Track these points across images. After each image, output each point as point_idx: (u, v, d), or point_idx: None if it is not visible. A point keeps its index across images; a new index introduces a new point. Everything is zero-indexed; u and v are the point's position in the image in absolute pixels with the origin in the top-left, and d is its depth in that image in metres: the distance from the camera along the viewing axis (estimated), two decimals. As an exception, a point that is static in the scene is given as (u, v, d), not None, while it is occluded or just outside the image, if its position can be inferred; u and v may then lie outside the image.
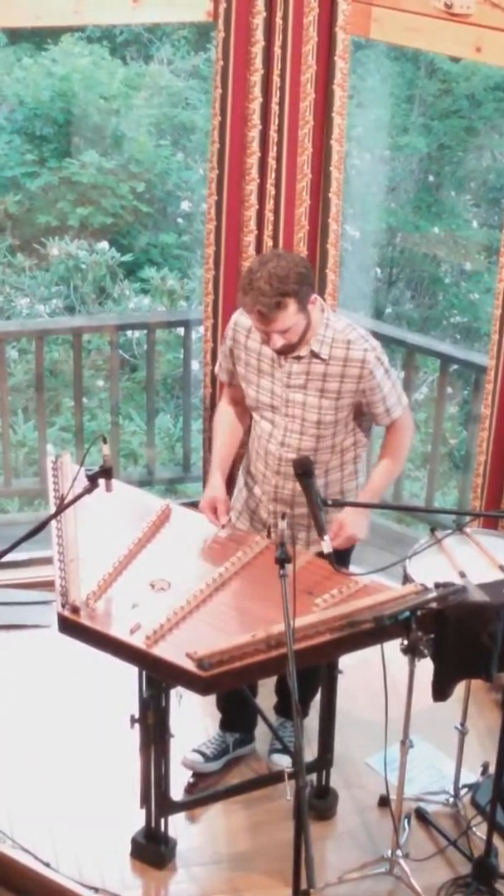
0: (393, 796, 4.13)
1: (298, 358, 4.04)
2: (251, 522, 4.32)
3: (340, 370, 4.04)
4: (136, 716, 4.05)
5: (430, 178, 10.71)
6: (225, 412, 4.38)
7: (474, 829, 4.30)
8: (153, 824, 4.18)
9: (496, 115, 10.29)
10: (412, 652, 3.78)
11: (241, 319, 4.15)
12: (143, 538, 4.14)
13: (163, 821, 4.17)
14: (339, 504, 4.10)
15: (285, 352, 4.01)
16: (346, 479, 4.25)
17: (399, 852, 4.15)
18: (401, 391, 4.20)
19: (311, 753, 4.39)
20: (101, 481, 3.90)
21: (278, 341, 3.95)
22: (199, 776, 4.50)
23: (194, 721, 4.64)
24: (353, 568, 4.22)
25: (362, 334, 4.08)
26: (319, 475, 4.12)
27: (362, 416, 4.17)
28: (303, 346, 4.02)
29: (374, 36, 4.85)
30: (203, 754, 4.52)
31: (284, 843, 3.72)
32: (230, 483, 4.36)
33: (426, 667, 3.88)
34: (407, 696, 3.96)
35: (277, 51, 4.72)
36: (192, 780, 4.48)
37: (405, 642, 3.77)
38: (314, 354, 4.03)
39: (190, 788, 4.45)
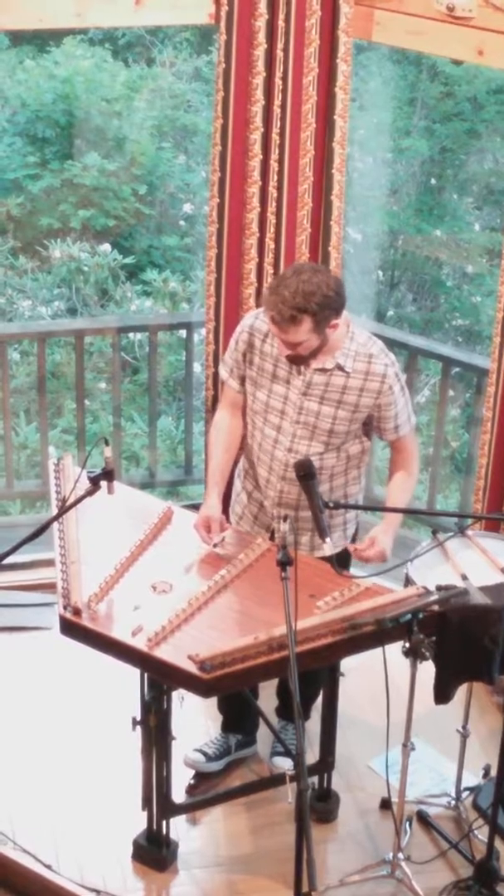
0: (394, 799, 4.14)
1: (323, 370, 4.03)
2: (253, 526, 4.32)
3: (361, 383, 4.04)
4: (138, 718, 4.05)
5: (432, 180, 10.71)
6: (221, 426, 4.31)
7: (476, 831, 4.29)
8: (154, 827, 4.18)
9: (498, 118, 10.29)
10: (414, 654, 3.78)
11: (258, 323, 4.13)
12: (144, 540, 4.14)
13: (164, 823, 4.17)
14: (341, 507, 4.10)
15: (294, 361, 4.00)
16: (350, 483, 4.25)
17: (400, 855, 4.15)
18: (411, 410, 4.20)
19: (312, 756, 4.39)
20: (103, 483, 3.90)
21: (286, 350, 3.94)
22: (199, 777, 4.50)
23: (196, 723, 4.64)
24: (354, 570, 4.22)
25: (382, 348, 4.09)
26: (324, 480, 4.13)
27: (369, 425, 4.16)
28: (328, 359, 4.01)
29: (377, 39, 4.86)
30: (205, 754, 4.52)
31: (286, 846, 3.72)
32: (226, 497, 4.34)
33: (428, 669, 3.88)
34: (408, 698, 3.96)
35: (279, 53, 4.73)
36: (192, 781, 4.48)
37: (407, 645, 3.77)
38: (339, 367, 4.02)
39: (191, 790, 4.46)
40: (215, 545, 4.14)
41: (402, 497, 4.19)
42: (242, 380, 4.23)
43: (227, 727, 4.59)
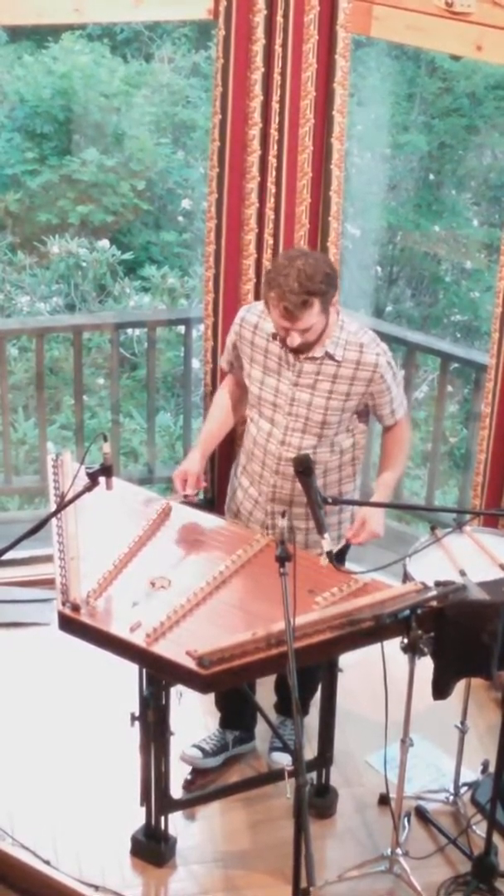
0: (393, 794, 4.14)
1: (313, 358, 4.04)
2: (249, 524, 4.32)
3: (352, 373, 4.05)
4: (137, 714, 4.05)
5: (431, 176, 10.70)
6: (224, 393, 4.42)
7: (474, 827, 4.30)
8: (153, 822, 4.18)
9: (497, 113, 10.28)
10: (412, 650, 3.78)
11: (248, 316, 4.16)
12: (143, 536, 4.14)
13: (163, 819, 4.18)
14: (339, 502, 4.10)
15: (301, 350, 4.01)
16: (345, 480, 4.26)
17: (399, 850, 4.15)
18: (403, 394, 4.25)
19: (311, 752, 4.39)
20: (102, 479, 3.90)
21: (297, 339, 3.95)
22: (196, 773, 4.50)
23: (194, 719, 4.64)
24: (353, 566, 4.22)
25: (373, 337, 4.12)
26: (318, 476, 4.13)
27: (362, 417, 4.18)
28: (318, 347, 4.03)
29: (375, 34, 4.85)
30: (202, 750, 4.52)
31: (284, 842, 3.72)
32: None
33: (426, 665, 3.88)
34: (407, 694, 3.96)
35: (278, 49, 4.72)
36: (189, 776, 4.48)
37: (405, 641, 3.78)
38: (328, 356, 4.04)
39: (187, 785, 4.46)
40: (185, 496, 4.22)
41: (391, 475, 4.26)
42: (231, 363, 4.32)
43: (224, 724, 4.59)
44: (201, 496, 4.27)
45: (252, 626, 3.70)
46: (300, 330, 3.93)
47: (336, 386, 4.06)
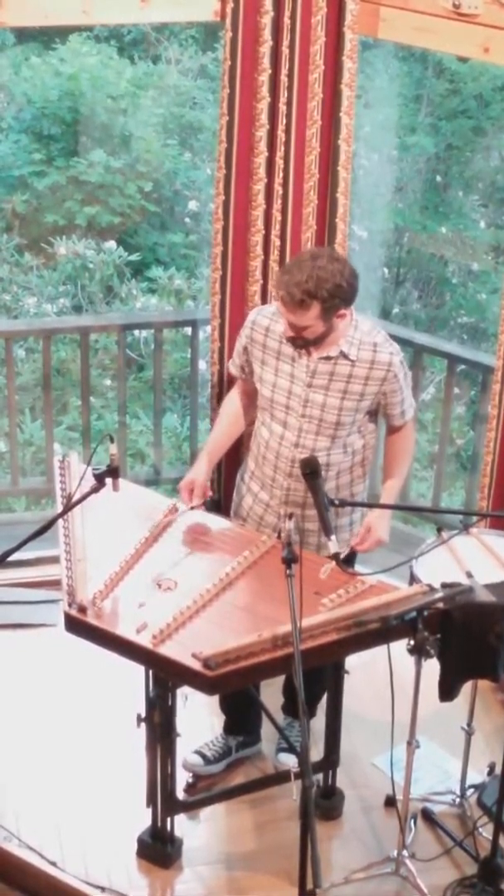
0: (399, 796, 4.13)
1: (327, 358, 4.04)
2: (259, 528, 4.31)
3: (366, 372, 4.05)
4: (143, 715, 4.05)
5: (438, 178, 10.70)
6: (232, 401, 4.40)
7: (480, 829, 4.29)
8: (159, 824, 4.18)
9: (504, 115, 10.29)
10: (419, 652, 3.78)
11: (259, 318, 4.16)
12: (149, 537, 4.14)
13: (169, 820, 4.18)
14: (346, 504, 4.10)
15: (296, 344, 4.01)
16: (356, 481, 4.26)
17: (405, 852, 4.15)
18: (412, 395, 4.26)
19: (317, 753, 4.39)
20: (108, 480, 3.90)
21: (290, 331, 3.96)
22: (197, 777, 4.50)
23: (200, 720, 4.64)
24: (359, 568, 4.22)
25: (386, 337, 4.12)
26: (331, 477, 4.14)
27: (371, 417, 4.18)
28: (332, 347, 4.02)
29: (382, 36, 4.85)
30: (203, 756, 4.51)
31: (290, 843, 3.71)
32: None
33: (433, 667, 3.87)
34: (413, 696, 3.95)
35: (285, 50, 4.72)
36: (190, 780, 4.48)
37: (412, 642, 3.77)
38: (343, 355, 4.03)
39: (189, 789, 4.45)
40: (192, 508, 4.22)
41: (397, 481, 4.28)
42: (242, 368, 4.29)
43: (228, 729, 4.58)
44: (208, 505, 4.27)
45: (258, 628, 3.70)
46: (295, 325, 3.93)
47: (350, 386, 4.06)
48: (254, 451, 4.30)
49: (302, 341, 3.99)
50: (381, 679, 3.81)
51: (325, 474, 4.11)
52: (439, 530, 4.23)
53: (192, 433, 6.06)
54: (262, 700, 4.27)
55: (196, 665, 3.61)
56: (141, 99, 10.45)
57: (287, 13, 4.67)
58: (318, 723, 4.42)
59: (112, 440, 3.86)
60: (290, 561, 3.50)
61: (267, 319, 4.12)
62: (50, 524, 3.85)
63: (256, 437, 4.27)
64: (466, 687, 4.08)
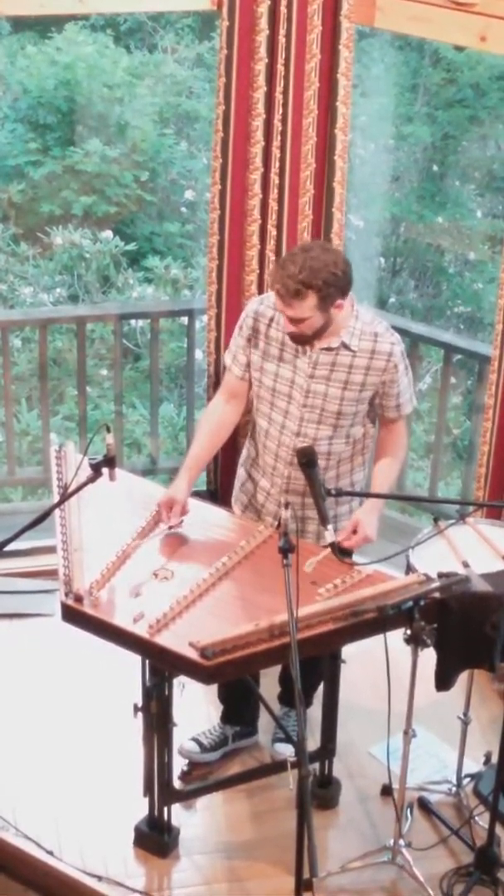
0: (395, 786, 4.14)
1: (329, 349, 4.03)
2: (260, 516, 4.31)
3: (367, 362, 4.04)
4: (139, 704, 4.05)
5: (435, 167, 10.68)
6: (214, 412, 4.29)
7: (476, 818, 4.30)
8: (156, 813, 4.18)
9: (500, 104, 10.26)
10: (415, 642, 3.78)
11: (262, 309, 4.14)
12: (146, 527, 4.14)
13: (165, 809, 4.18)
14: (343, 494, 4.09)
15: (296, 340, 4.01)
16: (355, 470, 4.25)
17: (401, 841, 4.15)
18: (413, 392, 4.22)
19: (313, 743, 4.39)
20: (105, 470, 3.90)
21: (289, 327, 3.95)
22: (193, 765, 4.50)
23: (197, 710, 4.65)
24: (356, 557, 4.22)
25: (387, 327, 4.11)
26: (331, 466, 4.14)
27: (371, 407, 4.17)
28: (333, 338, 4.01)
29: (379, 25, 4.85)
30: (200, 744, 4.52)
31: (287, 832, 3.72)
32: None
33: (429, 657, 3.88)
34: (410, 685, 3.96)
35: (282, 40, 4.72)
36: (185, 768, 4.48)
37: (408, 632, 3.78)
38: (345, 345, 4.03)
39: (184, 777, 4.45)
40: (171, 527, 4.14)
41: (389, 479, 4.23)
42: (246, 366, 4.22)
43: (226, 718, 4.58)
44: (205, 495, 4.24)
45: (255, 617, 3.70)
46: (293, 318, 3.92)
47: (352, 376, 4.05)
48: (254, 440, 4.30)
49: (302, 337, 3.98)
50: (378, 668, 3.81)
51: (326, 463, 4.11)
52: (436, 520, 4.23)
53: (188, 423, 6.06)
54: (258, 689, 4.28)
55: (193, 654, 3.61)
56: (137, 88, 10.41)
57: (283, 2, 4.67)
58: (315, 712, 4.42)
59: (108, 430, 3.86)
60: (286, 551, 3.50)
61: (271, 310, 4.08)
62: (46, 514, 3.85)
63: (257, 426, 4.26)
64: (463, 676, 4.09)
